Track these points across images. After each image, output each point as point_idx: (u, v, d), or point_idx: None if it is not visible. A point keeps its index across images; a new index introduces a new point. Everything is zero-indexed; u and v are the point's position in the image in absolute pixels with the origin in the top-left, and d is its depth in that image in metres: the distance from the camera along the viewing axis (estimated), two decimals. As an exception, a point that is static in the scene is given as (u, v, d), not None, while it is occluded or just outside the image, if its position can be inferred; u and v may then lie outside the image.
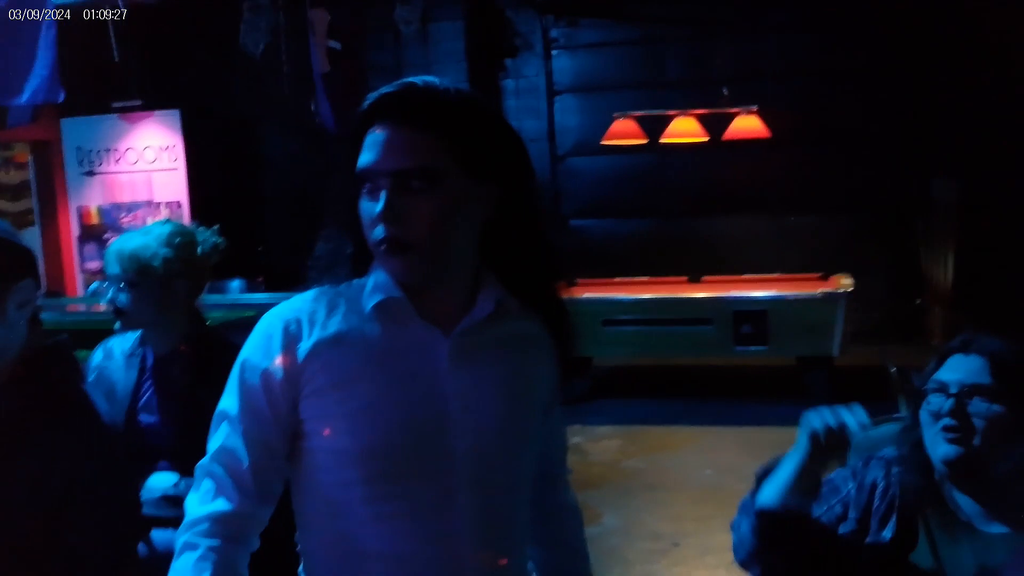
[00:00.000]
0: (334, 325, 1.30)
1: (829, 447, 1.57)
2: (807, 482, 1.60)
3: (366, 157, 1.26)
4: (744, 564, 1.73)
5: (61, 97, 4.53)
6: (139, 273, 2.32)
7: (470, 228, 1.31)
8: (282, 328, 1.30)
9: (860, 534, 1.70)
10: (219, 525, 1.29)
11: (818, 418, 1.57)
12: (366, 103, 1.28)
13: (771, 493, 1.62)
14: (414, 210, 1.24)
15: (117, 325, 2.39)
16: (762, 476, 1.69)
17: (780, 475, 1.63)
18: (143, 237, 2.38)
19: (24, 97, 4.36)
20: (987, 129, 7.73)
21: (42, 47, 4.34)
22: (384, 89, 1.29)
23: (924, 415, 1.68)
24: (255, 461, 1.30)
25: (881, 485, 1.72)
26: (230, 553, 1.29)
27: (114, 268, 2.35)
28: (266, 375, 1.29)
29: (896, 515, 1.68)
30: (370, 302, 1.31)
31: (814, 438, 1.57)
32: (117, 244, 2.38)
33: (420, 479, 1.28)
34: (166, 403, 2.37)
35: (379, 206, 1.24)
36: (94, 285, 7.73)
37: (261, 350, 1.31)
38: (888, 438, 2.13)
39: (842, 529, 1.73)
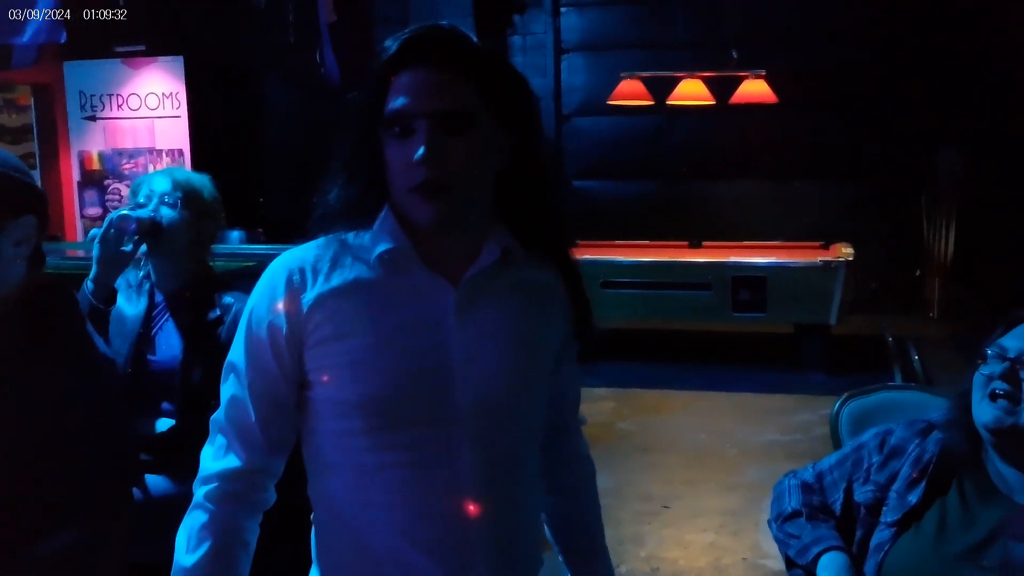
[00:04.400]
0: (338, 275, 1.29)
1: None
2: None
3: (401, 99, 1.23)
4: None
5: (63, 37, 4.49)
6: (188, 196, 2.36)
7: (491, 175, 1.31)
8: (286, 278, 1.29)
9: (878, 501, 1.72)
10: (229, 483, 1.31)
11: None
12: (396, 44, 1.25)
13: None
14: (451, 152, 1.23)
15: (143, 249, 2.34)
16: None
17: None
18: (191, 172, 2.46)
19: (26, 36, 4.31)
20: (994, 101, 7.68)
21: (45, -13, 4.29)
22: (411, 31, 1.26)
23: (978, 378, 1.66)
24: (262, 414, 1.31)
25: (915, 452, 1.73)
26: (236, 520, 1.32)
27: (163, 186, 2.36)
28: (271, 327, 1.29)
29: (926, 482, 1.68)
30: (375, 251, 1.29)
31: None
32: (164, 170, 2.45)
33: (423, 429, 1.27)
34: (173, 340, 2.38)
35: (420, 149, 1.21)
36: (94, 231, 7.70)
37: (266, 301, 1.30)
38: (884, 407, 2.15)
39: (861, 497, 1.75)
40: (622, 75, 7.49)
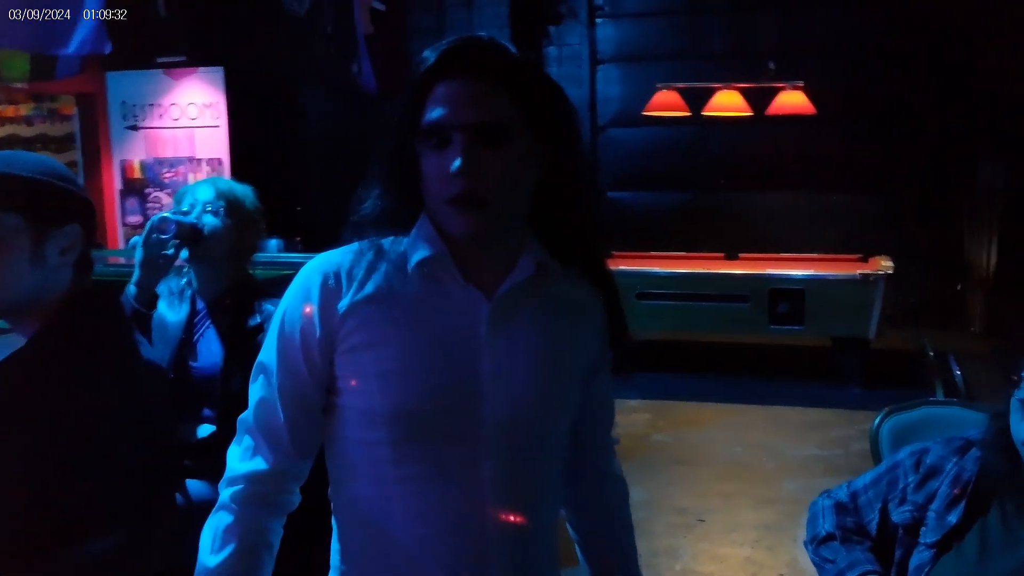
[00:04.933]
0: (373, 282, 1.27)
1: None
2: None
3: (439, 110, 1.22)
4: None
5: (108, 49, 4.55)
6: (230, 205, 2.39)
7: (527, 188, 1.29)
8: (321, 281, 1.28)
9: (916, 521, 1.70)
10: (255, 485, 1.31)
11: None
12: (434, 55, 1.24)
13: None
14: (488, 165, 1.22)
15: (184, 255, 2.37)
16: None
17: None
18: (234, 183, 2.49)
19: (71, 47, 4.38)
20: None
21: (90, -1, 4.36)
22: (450, 42, 1.25)
23: (1015, 401, 1.66)
24: (291, 417, 1.31)
25: (953, 471, 1.71)
26: (261, 522, 1.32)
27: (206, 195, 2.39)
28: (304, 330, 1.28)
29: (966, 501, 1.66)
30: (413, 258, 1.28)
31: None
32: (208, 180, 2.48)
33: (447, 443, 1.26)
34: (215, 347, 2.40)
35: (456, 160, 1.20)
36: (135, 239, 7.80)
37: (300, 303, 1.29)
38: (926, 422, 2.12)
39: (898, 517, 1.73)
40: (657, 86, 7.47)
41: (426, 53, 1.25)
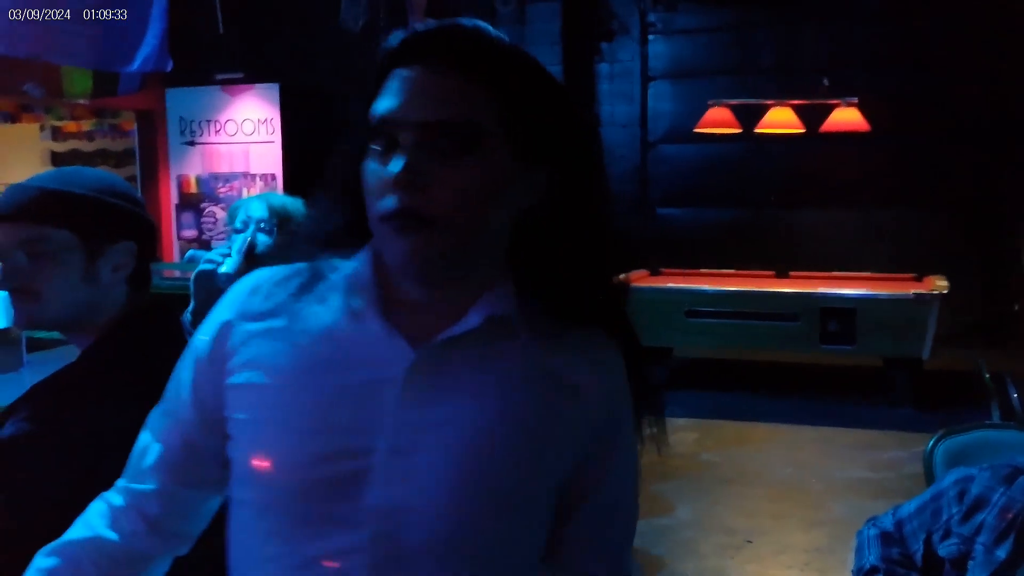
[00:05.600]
0: (286, 313, 1.03)
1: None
2: None
3: (385, 103, 0.95)
4: None
5: (170, 66, 4.66)
6: (283, 222, 2.43)
7: (506, 215, 0.99)
8: (227, 304, 1.08)
9: (963, 555, 1.65)
10: (117, 496, 1.12)
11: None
12: (395, 39, 0.98)
13: None
14: (440, 176, 0.93)
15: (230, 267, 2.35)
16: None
17: None
18: (286, 197, 2.52)
19: (135, 65, 4.49)
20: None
21: (154, 16, 4.46)
22: (420, 26, 0.99)
23: None
24: (163, 441, 1.11)
25: (1001, 502, 1.66)
26: (99, 527, 1.10)
27: (259, 212, 2.43)
28: (195, 351, 1.09)
29: (1015, 534, 1.61)
30: (334, 288, 1.03)
31: None
32: (260, 196, 2.50)
33: (316, 526, 0.97)
34: None
35: (397, 165, 0.93)
36: (190, 252, 7.99)
37: (204, 325, 1.09)
38: (981, 446, 2.08)
39: (944, 551, 1.69)
40: (709, 103, 7.44)
41: (392, 35, 1.00)
